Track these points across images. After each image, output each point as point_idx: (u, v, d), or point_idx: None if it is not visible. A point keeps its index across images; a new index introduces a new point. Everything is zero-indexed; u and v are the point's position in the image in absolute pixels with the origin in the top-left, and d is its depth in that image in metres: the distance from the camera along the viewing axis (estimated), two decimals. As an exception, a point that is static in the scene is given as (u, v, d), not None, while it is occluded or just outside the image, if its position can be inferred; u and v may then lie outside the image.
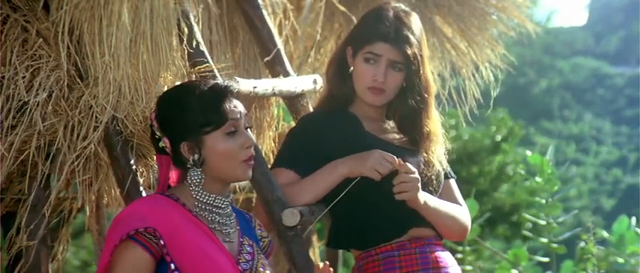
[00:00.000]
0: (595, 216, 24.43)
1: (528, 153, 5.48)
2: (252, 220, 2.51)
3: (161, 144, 2.35)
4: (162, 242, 2.19)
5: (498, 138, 13.99)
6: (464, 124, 4.15)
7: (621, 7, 46.76)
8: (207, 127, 2.29)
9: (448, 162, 2.99)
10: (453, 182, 2.95)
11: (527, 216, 5.61)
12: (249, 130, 2.36)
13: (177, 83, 2.67)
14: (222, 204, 2.35)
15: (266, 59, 3.29)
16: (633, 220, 4.85)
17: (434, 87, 2.93)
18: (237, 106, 2.33)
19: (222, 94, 2.31)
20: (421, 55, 2.83)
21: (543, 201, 5.04)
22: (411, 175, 2.68)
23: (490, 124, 14.13)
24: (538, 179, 5.02)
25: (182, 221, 2.24)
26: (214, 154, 2.29)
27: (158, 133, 2.35)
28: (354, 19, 3.66)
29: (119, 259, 2.19)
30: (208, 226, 2.30)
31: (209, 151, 2.30)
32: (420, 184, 2.71)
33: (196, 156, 2.30)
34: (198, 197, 2.32)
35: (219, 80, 2.36)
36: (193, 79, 2.74)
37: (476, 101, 3.99)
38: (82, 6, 2.61)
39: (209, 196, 2.33)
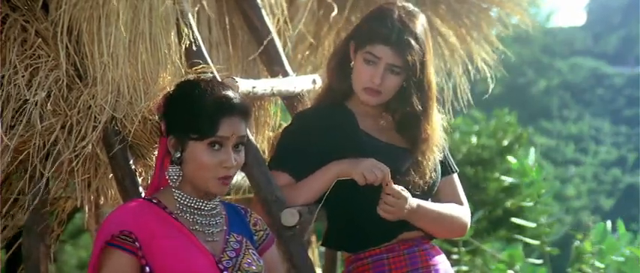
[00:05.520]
0: (594, 216, 24.43)
1: (512, 160, 5.46)
2: (248, 215, 2.49)
3: (162, 126, 2.37)
4: (138, 244, 2.20)
5: (505, 143, 13.87)
6: (451, 118, 4.14)
7: (620, 7, 46.70)
8: (193, 134, 2.29)
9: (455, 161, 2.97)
10: (455, 177, 2.93)
11: (516, 220, 5.60)
12: (241, 151, 2.33)
13: (199, 78, 2.66)
14: (205, 206, 2.35)
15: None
16: (608, 224, 4.80)
17: (435, 91, 2.86)
18: (234, 124, 2.30)
19: (223, 108, 2.29)
20: (423, 61, 2.77)
21: (531, 204, 5.03)
22: (396, 199, 2.67)
23: (496, 125, 14.02)
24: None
25: (159, 225, 2.25)
26: (192, 161, 2.30)
27: (160, 116, 2.38)
28: (353, 19, 3.66)
29: (104, 267, 2.21)
30: (189, 227, 2.30)
31: (189, 155, 2.30)
32: (408, 198, 2.68)
33: (178, 154, 2.31)
34: (179, 199, 2.33)
35: (232, 95, 2.32)
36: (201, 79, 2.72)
37: (473, 100, 3.98)
38: (80, 6, 2.61)
39: (190, 199, 2.33)
